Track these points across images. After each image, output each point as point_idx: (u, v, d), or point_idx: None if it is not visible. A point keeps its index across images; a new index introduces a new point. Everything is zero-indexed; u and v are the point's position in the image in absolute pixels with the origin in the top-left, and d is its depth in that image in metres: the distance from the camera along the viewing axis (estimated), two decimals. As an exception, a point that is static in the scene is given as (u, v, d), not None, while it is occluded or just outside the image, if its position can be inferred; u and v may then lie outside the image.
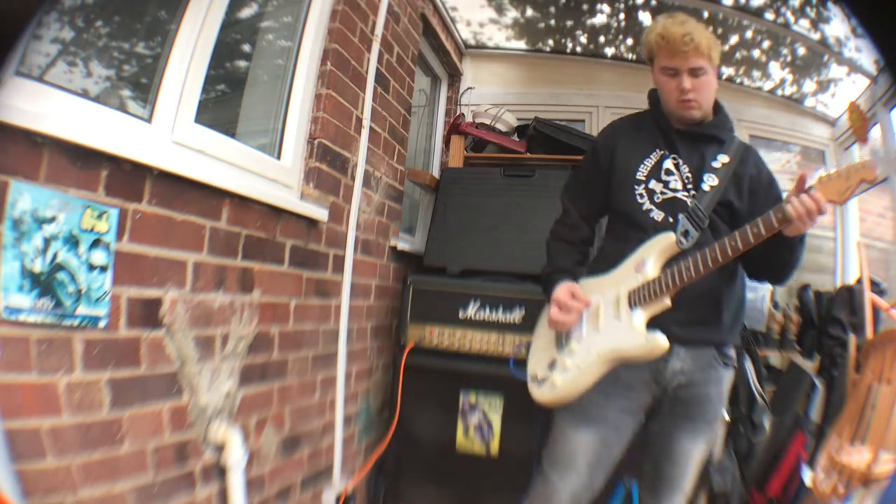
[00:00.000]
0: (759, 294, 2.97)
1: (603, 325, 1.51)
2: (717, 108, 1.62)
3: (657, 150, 1.58)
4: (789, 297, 3.31)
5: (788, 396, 2.62)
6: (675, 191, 1.53)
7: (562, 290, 1.55)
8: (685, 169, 1.55)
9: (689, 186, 1.53)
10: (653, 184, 1.55)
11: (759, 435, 2.48)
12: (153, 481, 1.27)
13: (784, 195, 1.52)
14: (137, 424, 1.22)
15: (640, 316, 1.47)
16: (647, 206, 1.54)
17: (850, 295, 2.79)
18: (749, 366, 2.58)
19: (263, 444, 1.67)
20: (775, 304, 3.06)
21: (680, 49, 1.47)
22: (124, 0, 1.54)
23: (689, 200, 1.52)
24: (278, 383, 1.73)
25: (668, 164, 1.56)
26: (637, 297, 1.48)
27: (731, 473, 2.32)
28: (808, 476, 2.17)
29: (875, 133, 3.17)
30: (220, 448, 1.46)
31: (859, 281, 2.73)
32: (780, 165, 3.83)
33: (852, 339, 2.46)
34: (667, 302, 1.46)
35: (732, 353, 1.57)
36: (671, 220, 1.51)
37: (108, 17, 1.52)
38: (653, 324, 1.47)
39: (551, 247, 1.69)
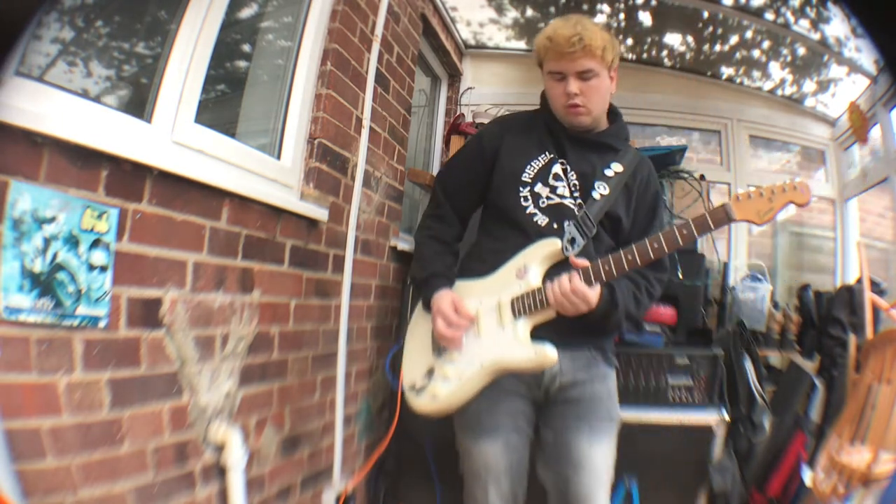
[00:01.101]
0: (759, 294, 2.97)
1: (485, 334, 1.44)
2: (614, 115, 1.57)
3: (546, 153, 1.52)
4: (789, 296, 3.32)
5: (788, 396, 2.62)
6: (562, 197, 1.49)
7: (445, 300, 1.45)
8: (573, 176, 1.50)
9: (577, 194, 1.49)
10: (539, 187, 1.49)
11: (759, 435, 2.48)
12: (153, 481, 1.27)
13: (669, 218, 1.54)
14: (137, 424, 1.22)
15: (525, 326, 1.42)
16: (532, 209, 1.48)
17: (850, 295, 2.78)
18: (749, 366, 2.58)
19: (263, 444, 1.67)
20: (775, 304, 3.06)
21: (566, 51, 1.41)
22: (124, 0, 1.54)
23: (575, 208, 1.48)
24: (278, 383, 1.73)
25: (557, 168, 1.50)
26: (522, 307, 1.41)
27: (731, 473, 2.32)
28: (808, 476, 2.17)
29: (875, 133, 3.17)
30: (220, 448, 1.46)
31: (859, 281, 2.73)
32: (780, 165, 3.84)
33: (852, 339, 2.46)
34: (552, 313, 1.40)
35: (612, 354, 1.56)
36: (555, 226, 1.46)
37: (108, 17, 1.52)
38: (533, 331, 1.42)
39: (424, 245, 1.58)
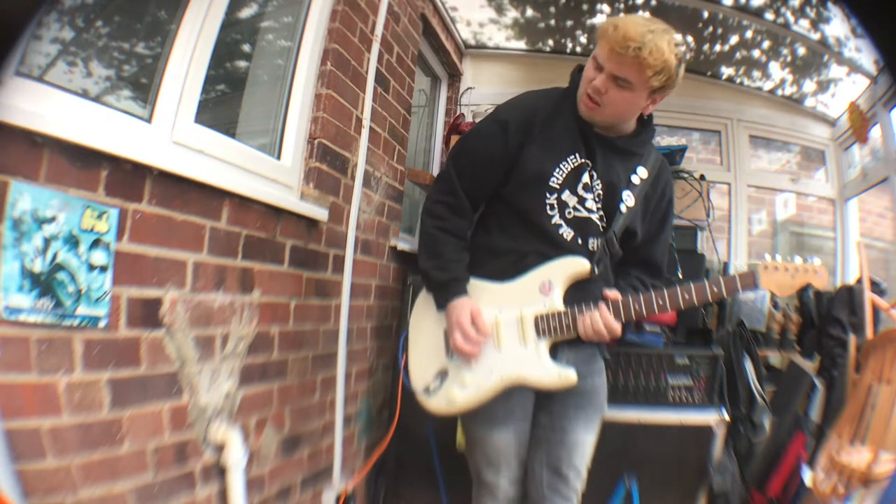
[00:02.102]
0: (760, 294, 2.97)
1: (506, 348, 1.46)
2: (644, 123, 1.52)
3: (576, 155, 1.45)
4: (789, 297, 3.31)
5: (788, 396, 2.62)
6: (589, 211, 1.47)
7: (464, 313, 1.43)
8: (598, 185, 1.46)
9: (600, 206, 1.47)
10: (566, 195, 1.45)
11: (759, 435, 2.48)
12: (153, 481, 1.27)
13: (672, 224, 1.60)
14: (137, 424, 1.22)
15: (546, 345, 1.45)
16: (557, 220, 1.45)
17: (850, 295, 2.78)
18: (749, 366, 2.58)
19: (263, 444, 1.67)
20: (775, 304, 3.06)
21: (617, 49, 1.31)
22: (124, 0, 1.54)
23: (599, 223, 1.47)
24: (278, 383, 1.73)
25: (586, 177, 1.45)
26: (546, 327, 1.44)
27: (731, 473, 2.32)
28: (808, 476, 2.17)
29: (875, 133, 3.17)
30: (220, 448, 1.46)
31: (859, 281, 2.73)
32: (780, 165, 3.84)
33: (852, 339, 2.46)
34: (574, 336, 1.44)
35: (604, 347, 1.61)
36: (580, 241, 1.46)
37: (108, 17, 1.52)
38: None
39: (440, 241, 1.49)
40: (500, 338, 1.47)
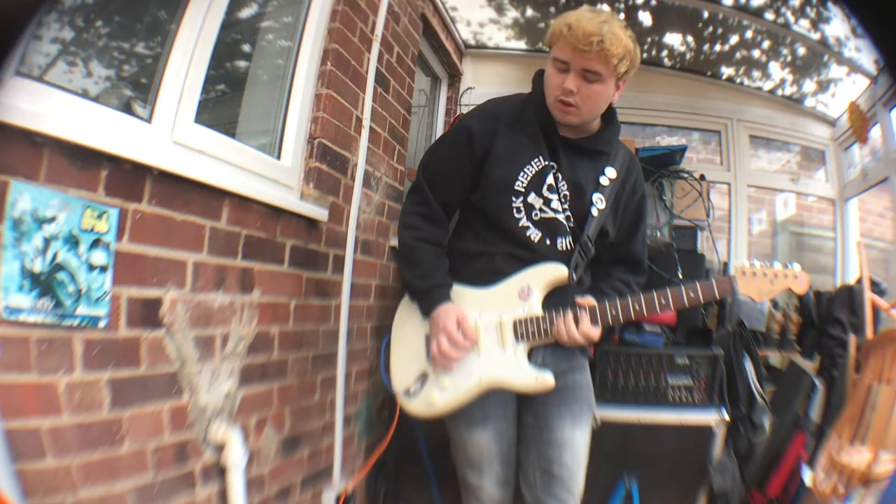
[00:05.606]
0: (759, 294, 2.96)
1: (485, 351, 1.47)
2: (610, 117, 1.52)
3: (539, 158, 1.46)
4: (789, 296, 3.32)
5: (788, 396, 2.62)
6: (555, 211, 1.47)
7: (450, 318, 1.44)
8: (563, 186, 1.47)
9: (566, 206, 1.48)
10: (532, 198, 1.46)
11: (759, 435, 2.48)
12: (153, 481, 1.27)
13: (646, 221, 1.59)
14: (137, 424, 1.22)
15: (525, 349, 1.46)
16: (524, 222, 1.46)
17: (850, 295, 2.79)
18: (749, 366, 2.58)
19: (263, 444, 1.67)
20: (775, 304, 3.06)
21: (580, 47, 1.32)
22: (124, 0, 1.54)
23: (566, 222, 1.48)
24: (278, 383, 1.73)
25: (550, 179, 1.47)
26: (525, 331, 1.45)
27: (731, 473, 2.32)
28: (808, 476, 2.17)
29: (875, 133, 3.17)
30: (220, 448, 1.46)
31: (859, 281, 2.73)
32: (780, 165, 3.84)
33: (852, 339, 2.46)
34: (552, 340, 1.45)
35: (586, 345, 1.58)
36: (548, 241, 1.47)
37: (108, 17, 1.52)
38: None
39: (418, 250, 1.51)
40: (480, 342, 1.48)
